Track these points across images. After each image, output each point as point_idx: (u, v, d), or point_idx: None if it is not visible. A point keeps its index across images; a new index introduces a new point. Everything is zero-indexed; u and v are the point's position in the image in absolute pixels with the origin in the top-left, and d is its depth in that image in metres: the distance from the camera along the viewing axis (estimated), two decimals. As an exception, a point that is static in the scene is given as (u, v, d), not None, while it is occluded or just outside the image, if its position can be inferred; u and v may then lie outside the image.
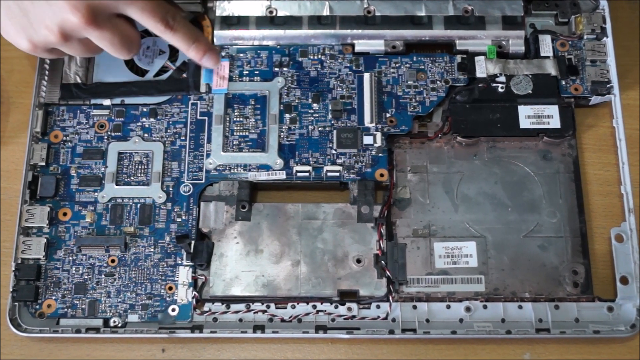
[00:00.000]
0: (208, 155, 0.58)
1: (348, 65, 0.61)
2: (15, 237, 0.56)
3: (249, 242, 0.56)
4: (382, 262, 0.55)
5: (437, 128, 0.60)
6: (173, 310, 0.55)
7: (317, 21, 0.62)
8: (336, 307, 0.54)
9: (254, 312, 0.55)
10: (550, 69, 0.60)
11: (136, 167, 0.58)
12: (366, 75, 0.60)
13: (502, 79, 0.60)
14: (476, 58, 0.61)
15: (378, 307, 0.54)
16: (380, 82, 0.60)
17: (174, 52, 0.62)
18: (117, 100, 0.60)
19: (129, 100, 0.60)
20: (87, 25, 0.50)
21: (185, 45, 0.56)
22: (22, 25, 0.52)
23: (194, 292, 0.55)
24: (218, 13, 0.62)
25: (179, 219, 0.57)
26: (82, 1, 0.49)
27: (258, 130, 0.59)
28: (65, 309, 0.55)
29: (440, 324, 0.54)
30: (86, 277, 0.56)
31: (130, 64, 0.61)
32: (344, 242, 0.56)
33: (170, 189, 0.58)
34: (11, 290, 0.55)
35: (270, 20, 0.62)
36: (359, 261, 0.56)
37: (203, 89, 0.60)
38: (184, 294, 0.55)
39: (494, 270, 0.56)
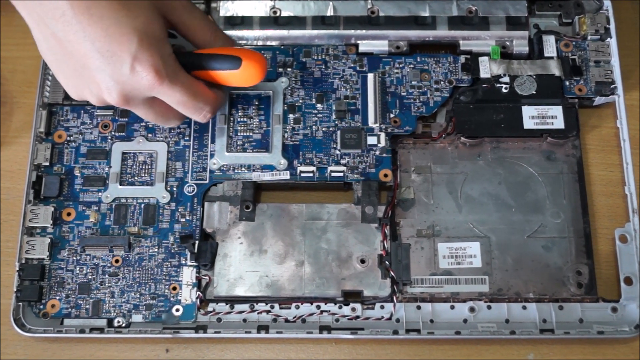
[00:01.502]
0: (212, 156, 0.58)
1: (352, 65, 0.61)
2: (19, 237, 0.56)
3: (253, 243, 0.56)
4: (386, 262, 0.55)
5: (441, 128, 0.60)
6: (177, 310, 0.55)
7: (320, 21, 0.62)
8: (340, 307, 0.55)
9: (258, 313, 0.55)
10: (554, 69, 0.60)
11: (140, 167, 0.58)
12: (370, 76, 0.60)
13: (506, 79, 0.60)
14: (480, 58, 0.61)
15: (382, 307, 0.54)
16: (384, 83, 0.60)
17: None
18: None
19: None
20: (121, 105, 0.49)
21: None
22: (74, 86, 0.51)
23: (198, 293, 0.55)
24: (222, 13, 0.62)
25: (182, 219, 0.57)
26: (115, 85, 0.48)
27: (262, 130, 0.59)
28: (69, 309, 0.55)
29: (444, 324, 0.54)
30: (90, 277, 0.56)
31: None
32: (348, 243, 0.56)
33: (174, 189, 0.58)
34: (15, 290, 0.55)
35: (274, 21, 0.62)
36: (363, 261, 0.56)
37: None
38: (187, 294, 0.55)
39: (497, 271, 0.56)
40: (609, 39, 0.61)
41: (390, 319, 0.54)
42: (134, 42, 0.46)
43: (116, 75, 0.47)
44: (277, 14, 0.62)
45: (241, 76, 0.52)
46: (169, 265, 0.56)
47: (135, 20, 0.46)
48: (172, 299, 0.55)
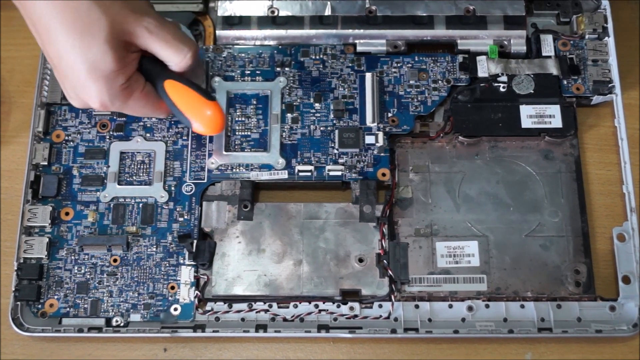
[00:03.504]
0: (210, 155, 0.58)
1: (350, 65, 0.61)
2: (17, 237, 0.56)
3: (251, 242, 0.56)
4: (384, 261, 0.55)
5: (438, 128, 0.60)
6: (175, 309, 0.55)
7: (318, 21, 0.62)
8: (338, 306, 0.55)
9: (256, 312, 0.55)
10: (552, 68, 0.60)
11: (138, 166, 0.58)
12: (368, 75, 0.60)
13: (504, 78, 0.60)
14: (478, 58, 0.61)
15: (380, 306, 0.54)
16: (382, 82, 0.60)
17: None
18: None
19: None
20: (104, 110, 0.51)
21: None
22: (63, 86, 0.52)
23: (196, 292, 0.55)
24: (220, 13, 0.62)
25: (181, 219, 0.57)
26: (73, 97, 0.50)
27: (260, 129, 0.59)
28: (68, 309, 0.55)
29: (442, 323, 0.54)
30: (88, 276, 0.56)
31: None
32: (346, 242, 0.56)
33: (173, 188, 0.58)
34: (13, 289, 0.55)
35: (272, 20, 0.62)
36: (361, 260, 0.56)
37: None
38: (186, 294, 0.55)
39: (496, 270, 0.56)
40: (606, 38, 0.61)
41: (388, 318, 0.54)
42: (82, 73, 0.47)
43: (69, 91, 0.50)
44: (275, 14, 0.62)
45: (195, 129, 0.52)
46: (167, 265, 0.56)
47: (87, 52, 0.46)
48: (170, 298, 0.55)
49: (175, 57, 0.50)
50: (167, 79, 0.51)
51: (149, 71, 0.51)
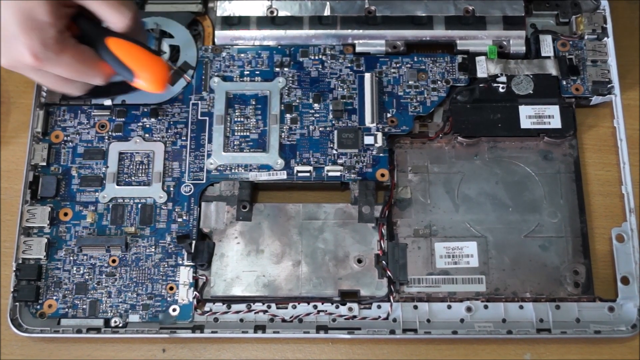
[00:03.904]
0: (209, 155, 0.58)
1: (349, 65, 0.61)
2: (16, 237, 0.56)
3: (250, 242, 0.56)
4: (383, 262, 0.55)
5: (437, 128, 0.60)
6: (174, 310, 0.55)
7: (317, 21, 0.62)
8: (337, 307, 0.55)
9: (255, 312, 0.55)
10: (551, 69, 0.60)
11: (137, 167, 0.58)
12: (367, 76, 0.60)
13: (503, 79, 0.60)
14: (477, 58, 0.61)
15: (379, 307, 0.54)
16: (381, 82, 0.60)
17: (173, 53, 0.61)
18: (118, 101, 0.60)
19: (130, 100, 0.60)
20: (36, 64, 0.50)
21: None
22: None
23: (195, 292, 0.55)
24: (219, 13, 0.62)
25: (179, 219, 0.57)
26: (28, 46, 0.49)
27: (259, 130, 0.59)
28: (66, 309, 0.55)
29: (441, 324, 0.54)
30: (87, 277, 0.56)
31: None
32: (345, 242, 0.56)
33: (171, 189, 0.58)
34: (12, 290, 0.55)
35: (271, 21, 0.62)
36: (359, 261, 0.56)
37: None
38: (184, 294, 0.55)
39: (494, 270, 0.56)
40: (606, 39, 0.61)
41: (387, 318, 0.54)
42: (14, 25, 0.48)
43: (2, 47, 0.49)
44: (274, 14, 0.62)
45: (137, 85, 0.52)
46: (166, 265, 0.56)
47: (19, 2, 0.47)
48: (169, 299, 0.55)
49: (114, 17, 0.50)
50: (108, 36, 0.51)
51: (87, 32, 0.51)
